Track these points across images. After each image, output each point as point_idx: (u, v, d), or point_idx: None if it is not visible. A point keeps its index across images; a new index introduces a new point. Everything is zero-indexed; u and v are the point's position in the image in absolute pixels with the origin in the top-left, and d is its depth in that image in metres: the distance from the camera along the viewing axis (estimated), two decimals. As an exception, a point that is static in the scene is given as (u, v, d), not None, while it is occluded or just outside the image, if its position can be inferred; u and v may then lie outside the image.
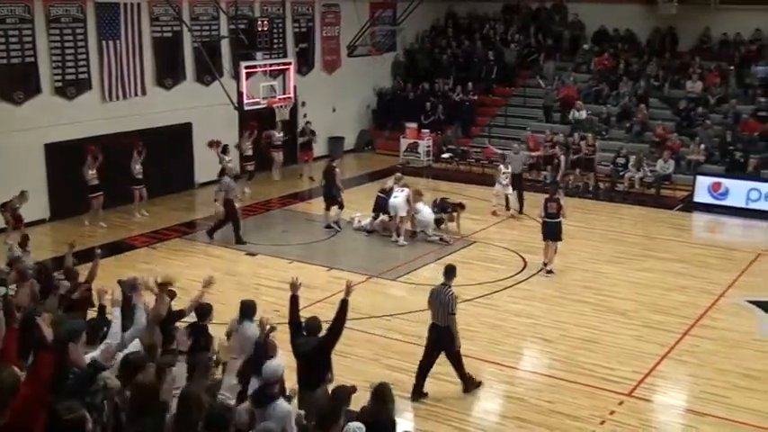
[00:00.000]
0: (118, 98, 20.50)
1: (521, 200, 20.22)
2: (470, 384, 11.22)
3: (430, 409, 10.68)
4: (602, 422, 10.40)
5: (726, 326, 13.59)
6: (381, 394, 7.65)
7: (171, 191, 21.31)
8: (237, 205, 18.23)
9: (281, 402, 7.61)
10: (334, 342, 8.87)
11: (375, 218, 18.60)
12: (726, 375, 11.75)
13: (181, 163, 22.10)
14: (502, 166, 20.11)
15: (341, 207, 19.02)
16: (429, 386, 11.23)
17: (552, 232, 16.11)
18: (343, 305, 8.86)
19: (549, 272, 16.04)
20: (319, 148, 25.47)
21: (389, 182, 18.94)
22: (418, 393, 10.98)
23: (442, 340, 10.92)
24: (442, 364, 11.86)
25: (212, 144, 20.73)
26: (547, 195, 16.63)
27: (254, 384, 7.95)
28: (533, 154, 23.08)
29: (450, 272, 11.22)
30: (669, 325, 13.51)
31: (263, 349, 8.48)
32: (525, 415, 10.54)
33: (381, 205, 18.47)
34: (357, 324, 13.02)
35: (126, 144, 19.50)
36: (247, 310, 9.54)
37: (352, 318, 13.08)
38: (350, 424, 6.99)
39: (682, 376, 11.92)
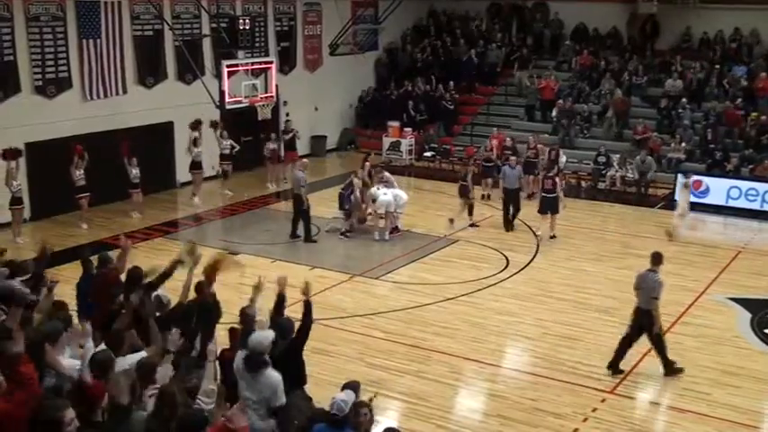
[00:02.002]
0: (99, 97, 20.35)
1: (514, 216, 19.05)
2: (671, 369, 11.59)
3: (413, 408, 10.68)
4: (585, 419, 10.44)
5: (707, 323, 13.69)
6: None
7: (153, 190, 21.18)
8: (220, 205, 18.17)
9: (272, 371, 7.64)
10: (304, 343, 8.83)
11: (347, 217, 18.52)
12: (707, 372, 11.83)
13: (162, 162, 21.98)
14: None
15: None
16: (413, 384, 11.27)
17: (549, 206, 18.04)
18: (307, 306, 8.86)
19: (553, 236, 18.09)
20: (301, 147, 25.41)
21: (357, 175, 18.78)
22: (615, 369, 11.64)
23: (645, 322, 11.54)
24: (427, 363, 11.90)
25: (213, 125, 21.09)
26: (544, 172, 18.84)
27: (240, 357, 7.96)
28: (492, 154, 22.16)
29: (657, 258, 11.81)
30: (650, 322, 13.55)
31: (250, 320, 8.59)
32: (508, 413, 10.56)
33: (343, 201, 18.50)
34: (340, 323, 13.06)
35: (111, 143, 19.38)
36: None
37: (336, 317, 13.20)
38: (336, 396, 7.11)
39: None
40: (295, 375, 8.46)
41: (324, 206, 19.63)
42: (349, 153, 27.80)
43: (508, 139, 22.71)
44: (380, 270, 16.09)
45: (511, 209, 18.85)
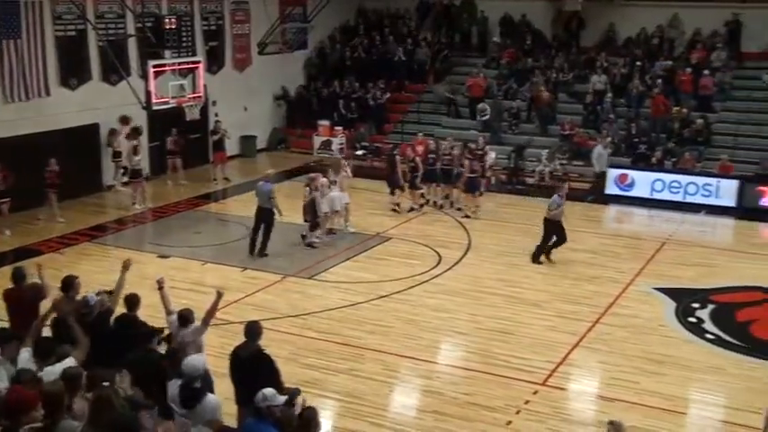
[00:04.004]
0: (20, 99, 19.77)
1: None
2: None
3: (347, 406, 10.68)
4: (518, 412, 10.57)
5: (634, 313, 14.00)
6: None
7: (79, 194, 20.71)
8: (139, 209, 17.77)
9: (210, 397, 7.52)
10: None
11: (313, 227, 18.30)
12: (635, 361, 12.10)
13: (88, 165, 21.50)
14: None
15: (402, 190, 20.22)
16: (347, 383, 11.25)
17: (474, 186, 19.53)
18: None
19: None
20: (231, 147, 25.18)
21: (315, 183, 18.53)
22: None
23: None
24: (361, 362, 11.91)
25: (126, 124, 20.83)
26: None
27: (174, 386, 7.69)
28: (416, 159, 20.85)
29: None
30: (580, 314, 13.84)
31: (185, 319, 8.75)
32: (442, 408, 10.64)
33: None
34: (273, 324, 12.96)
35: (35, 146, 18.89)
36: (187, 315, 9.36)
37: (268, 318, 13.10)
38: (263, 390, 7.13)
39: (593, 364, 12.22)
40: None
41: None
42: (279, 153, 27.64)
43: (431, 142, 22.51)
44: (313, 270, 16.02)
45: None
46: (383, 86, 27.82)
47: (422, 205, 20.46)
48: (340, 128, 26.81)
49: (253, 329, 8.78)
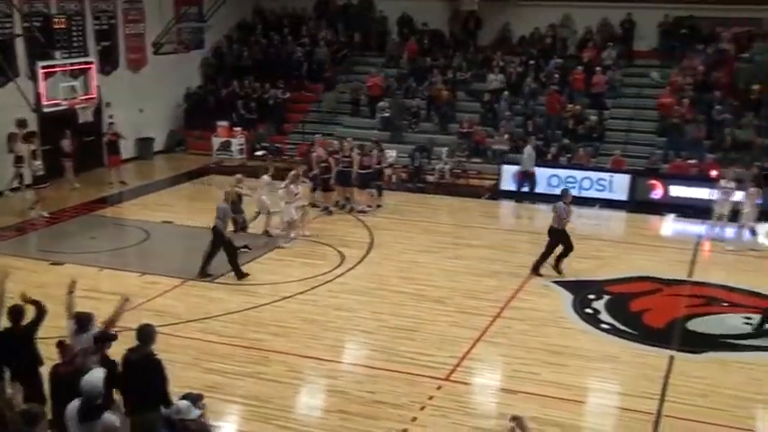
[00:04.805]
0: None
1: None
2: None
3: (253, 410, 10.56)
4: (422, 408, 10.66)
5: (533, 306, 14.31)
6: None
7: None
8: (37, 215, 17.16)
9: (108, 415, 7.30)
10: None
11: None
12: (535, 353, 12.37)
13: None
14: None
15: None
16: (252, 387, 11.13)
17: (364, 181, 20.09)
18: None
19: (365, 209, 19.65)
20: (127, 150, 24.60)
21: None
22: None
23: None
24: (266, 364, 11.80)
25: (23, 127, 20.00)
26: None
27: (73, 406, 7.41)
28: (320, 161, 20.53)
29: None
30: (482, 309, 14.05)
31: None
32: (348, 407, 10.63)
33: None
34: (173, 329, 12.72)
35: None
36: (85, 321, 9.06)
37: (168, 323, 12.83)
38: (178, 402, 7.03)
39: (495, 357, 12.42)
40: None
41: (153, 210, 19.07)
42: (177, 155, 27.14)
43: (335, 142, 22.46)
44: (214, 272, 15.76)
45: None
46: (282, 86, 27.65)
47: (334, 205, 20.36)
48: (239, 128, 26.52)
49: (145, 333, 8.53)
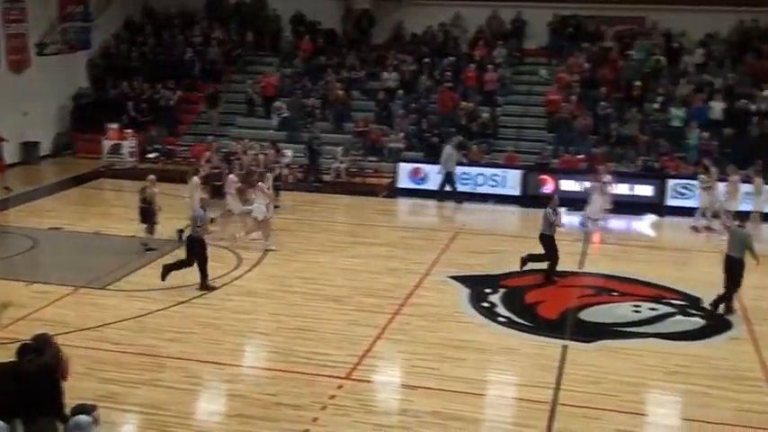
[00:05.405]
0: None
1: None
2: None
3: (150, 418, 10.30)
4: (324, 407, 10.63)
5: (432, 302, 14.47)
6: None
7: None
8: None
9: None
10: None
11: (149, 230, 17.40)
12: (434, 348, 12.50)
13: None
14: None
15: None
16: (148, 394, 10.86)
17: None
18: None
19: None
20: (11, 155, 23.66)
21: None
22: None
23: None
24: (162, 371, 11.54)
25: None
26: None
27: None
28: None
29: None
30: (381, 307, 14.12)
31: None
32: (248, 411, 10.51)
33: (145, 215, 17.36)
34: (65, 339, 12.25)
35: None
36: None
37: (59, 333, 12.37)
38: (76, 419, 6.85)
39: (395, 354, 12.50)
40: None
41: (39, 217, 18.40)
42: (65, 159, 26.28)
43: (231, 143, 22.07)
44: (107, 279, 15.32)
45: None
46: (173, 87, 27.11)
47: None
48: (130, 131, 25.86)
49: (40, 342, 8.24)
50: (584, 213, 19.13)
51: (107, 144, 25.70)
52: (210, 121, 26.78)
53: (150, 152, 25.36)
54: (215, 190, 19.17)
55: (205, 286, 14.81)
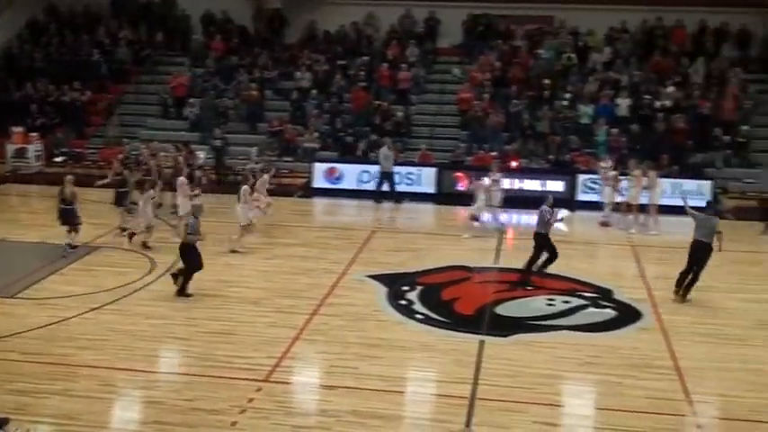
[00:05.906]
0: None
1: None
2: None
3: (63, 429, 10.01)
4: (243, 411, 10.52)
5: (349, 301, 14.48)
6: None
7: None
8: None
9: None
10: None
11: (70, 231, 16.91)
12: (352, 347, 12.52)
13: None
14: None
15: None
16: (60, 404, 10.56)
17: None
18: None
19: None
20: None
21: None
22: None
23: None
24: (74, 380, 11.24)
25: None
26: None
27: None
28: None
29: None
30: (299, 308, 14.06)
31: None
32: (165, 417, 10.32)
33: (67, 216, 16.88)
34: (-30, 351, 11.88)
35: None
36: None
37: (-37, 345, 11.94)
38: None
39: (313, 354, 12.47)
40: None
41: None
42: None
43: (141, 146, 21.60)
44: (14, 287, 14.83)
45: None
46: (80, 88, 26.41)
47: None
48: (35, 134, 25.07)
49: None
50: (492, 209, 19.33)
51: (11, 148, 24.89)
52: (106, 134, 25.98)
53: (57, 156, 24.64)
54: (119, 197, 18.48)
55: (183, 291, 14.55)
